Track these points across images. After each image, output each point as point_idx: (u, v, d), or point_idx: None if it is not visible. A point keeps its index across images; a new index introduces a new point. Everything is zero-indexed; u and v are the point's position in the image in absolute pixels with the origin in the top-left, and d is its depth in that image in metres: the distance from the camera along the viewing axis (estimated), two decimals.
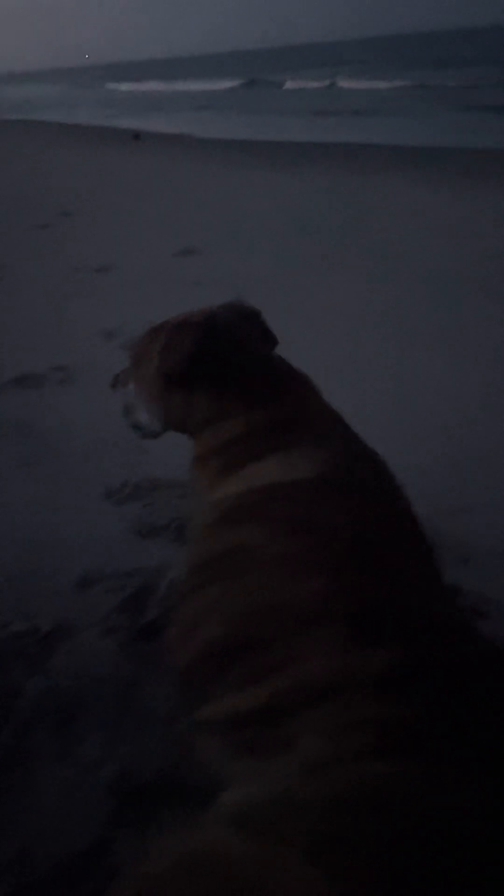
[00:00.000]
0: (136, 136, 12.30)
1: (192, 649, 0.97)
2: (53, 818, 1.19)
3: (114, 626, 1.53)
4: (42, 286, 3.95)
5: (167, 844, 0.76)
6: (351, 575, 0.91)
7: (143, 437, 1.38)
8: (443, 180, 6.71)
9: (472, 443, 2.21)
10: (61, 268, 4.25)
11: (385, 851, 0.63)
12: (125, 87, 36.42)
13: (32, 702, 1.37)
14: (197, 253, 4.55)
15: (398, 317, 3.29)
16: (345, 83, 21.81)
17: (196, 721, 0.91)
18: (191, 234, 4.92)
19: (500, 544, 1.73)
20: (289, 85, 25.64)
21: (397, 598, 0.89)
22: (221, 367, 1.25)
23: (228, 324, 1.28)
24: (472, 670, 0.81)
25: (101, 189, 7.05)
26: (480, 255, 4.21)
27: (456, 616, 0.94)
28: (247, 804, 0.74)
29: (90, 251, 4.59)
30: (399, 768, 0.69)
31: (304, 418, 1.20)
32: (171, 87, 32.41)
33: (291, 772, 0.74)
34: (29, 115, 19.70)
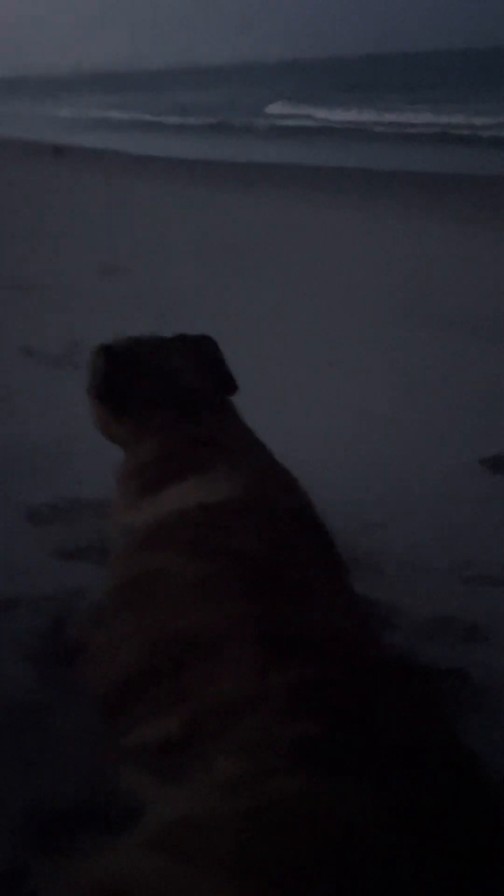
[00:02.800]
0: (58, 150, 12.12)
1: (108, 676, 0.98)
2: None
3: (31, 651, 1.51)
4: None
5: (84, 869, 0.76)
6: (262, 596, 0.94)
7: None
8: (360, 202, 6.95)
9: (386, 460, 2.30)
10: None
11: (298, 866, 0.65)
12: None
13: None
14: (121, 271, 4.55)
15: (320, 335, 3.39)
16: (276, 109, 22.14)
17: (116, 748, 0.92)
18: (114, 252, 4.92)
19: (410, 557, 1.81)
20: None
21: (306, 617, 0.93)
22: (138, 390, 1.28)
23: (143, 349, 1.32)
24: (375, 683, 0.86)
25: (21, 206, 6.94)
26: (402, 276, 4.38)
27: (363, 630, 0.99)
28: (163, 826, 0.75)
29: (8, 269, 4.52)
30: (308, 785, 0.72)
31: (220, 441, 1.23)
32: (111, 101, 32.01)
33: (206, 792, 0.75)
34: None
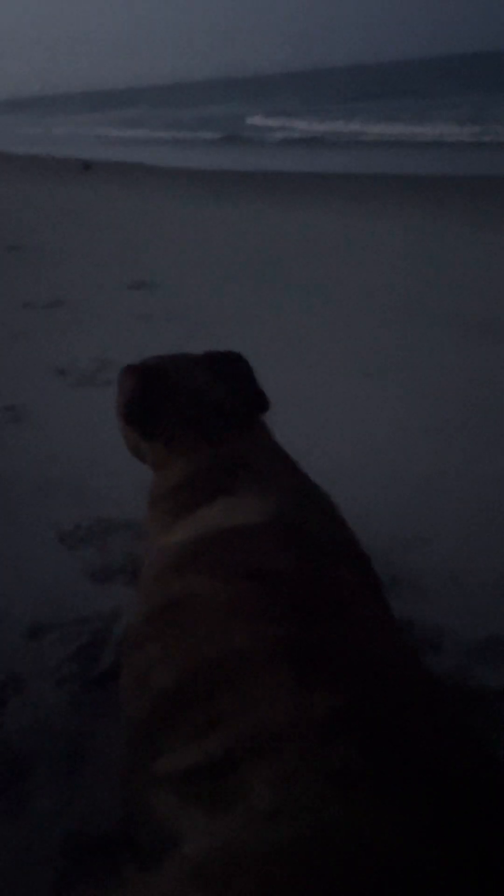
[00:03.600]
0: (87, 166, 12.33)
1: (143, 701, 0.96)
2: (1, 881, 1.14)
3: (66, 675, 1.49)
4: None
5: None
6: (297, 620, 0.91)
7: None
8: (394, 210, 6.90)
9: (425, 474, 2.23)
10: (10, 304, 4.20)
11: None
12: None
13: None
14: (149, 286, 4.56)
15: (354, 348, 3.34)
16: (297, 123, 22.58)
17: (150, 775, 0.90)
18: (143, 267, 4.94)
19: (453, 574, 1.75)
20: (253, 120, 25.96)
21: (341, 641, 0.90)
22: (167, 411, 1.26)
23: (171, 369, 1.29)
24: (414, 708, 0.82)
25: (51, 221, 7.04)
26: (431, 284, 4.32)
27: (401, 653, 0.95)
28: (202, 857, 0.73)
29: (39, 286, 4.56)
30: (348, 813, 0.70)
31: (252, 461, 1.20)
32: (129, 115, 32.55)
33: (246, 821, 0.74)
34: None
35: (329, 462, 2.30)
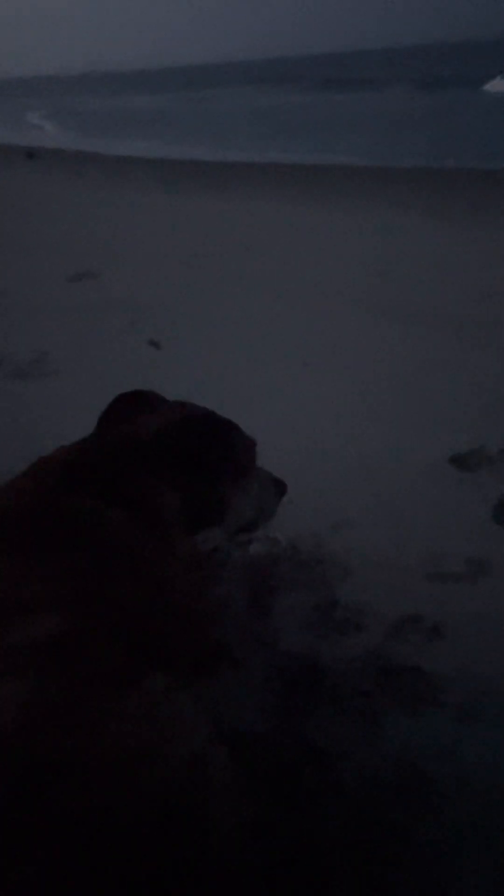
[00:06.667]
0: (30, 154, 12.08)
1: None
2: None
3: None
4: None
5: None
6: None
7: None
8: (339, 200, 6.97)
9: (356, 460, 2.30)
10: None
11: None
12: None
13: None
14: (91, 277, 4.53)
15: (294, 335, 3.39)
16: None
17: None
18: (86, 258, 4.89)
19: (378, 557, 1.82)
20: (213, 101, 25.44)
21: None
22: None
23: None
24: None
25: None
26: (366, 272, 4.40)
27: None
28: None
29: None
30: None
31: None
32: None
33: None
34: None
35: (264, 446, 2.35)
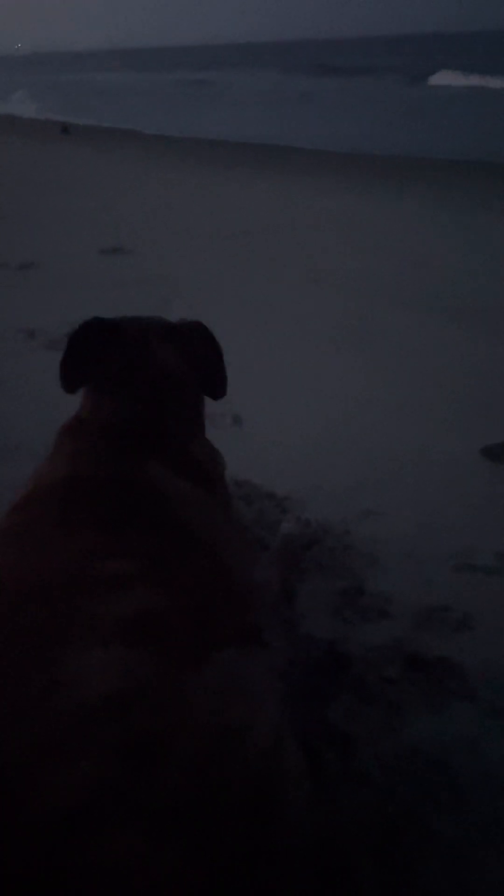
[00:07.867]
0: (65, 129, 12.06)
1: None
2: None
3: None
4: None
5: None
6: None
7: None
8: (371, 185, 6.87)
9: (385, 449, 2.27)
10: None
11: None
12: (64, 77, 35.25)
13: None
14: (124, 252, 4.51)
15: (321, 323, 3.36)
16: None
17: None
18: (119, 233, 4.88)
19: (405, 546, 1.80)
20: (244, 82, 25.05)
21: None
22: (93, 367, 1.35)
23: (128, 329, 1.34)
24: None
25: (27, 184, 6.90)
26: (408, 262, 4.33)
27: None
28: None
29: (13, 247, 4.49)
30: None
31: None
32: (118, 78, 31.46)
33: None
34: None
35: (292, 432, 2.33)
